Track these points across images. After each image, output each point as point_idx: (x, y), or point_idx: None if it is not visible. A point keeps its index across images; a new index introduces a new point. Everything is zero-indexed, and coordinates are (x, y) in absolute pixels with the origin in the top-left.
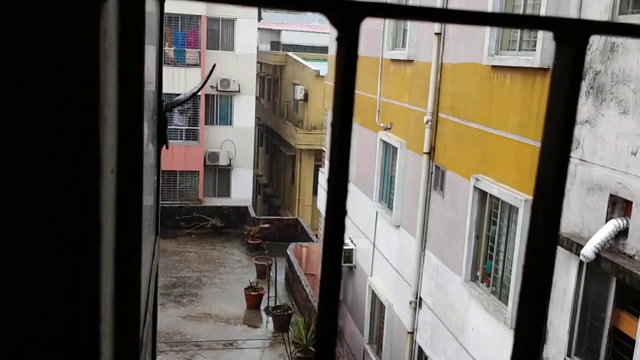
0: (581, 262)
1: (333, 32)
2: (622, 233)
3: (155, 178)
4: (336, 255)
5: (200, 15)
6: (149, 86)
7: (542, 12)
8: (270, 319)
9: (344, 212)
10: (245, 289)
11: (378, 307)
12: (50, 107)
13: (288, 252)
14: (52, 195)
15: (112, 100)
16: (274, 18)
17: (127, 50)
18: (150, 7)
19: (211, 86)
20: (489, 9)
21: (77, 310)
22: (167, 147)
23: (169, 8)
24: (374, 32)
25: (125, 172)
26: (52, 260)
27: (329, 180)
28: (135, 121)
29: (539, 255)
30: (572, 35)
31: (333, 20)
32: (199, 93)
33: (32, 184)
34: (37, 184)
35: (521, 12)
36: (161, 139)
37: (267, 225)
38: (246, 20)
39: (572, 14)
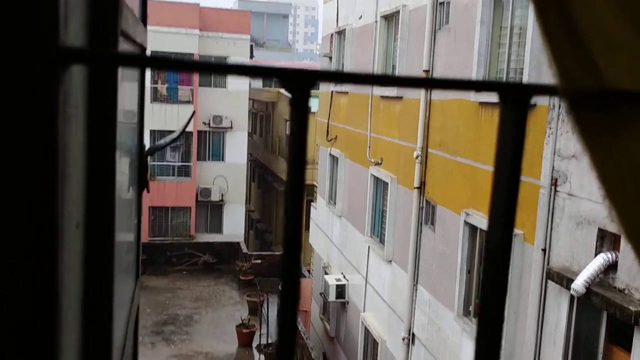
0: (572, 297)
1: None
2: (612, 267)
3: (136, 221)
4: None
5: (192, 54)
6: (130, 130)
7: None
8: (262, 357)
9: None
10: (237, 326)
11: (371, 343)
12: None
13: (280, 288)
14: (6, 254)
15: (78, 158)
16: (267, 56)
17: (97, 111)
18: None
19: (204, 122)
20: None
21: None
22: (147, 191)
23: (162, 47)
24: (364, 69)
25: (95, 225)
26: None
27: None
28: (106, 174)
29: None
30: (516, 97)
31: (286, 86)
32: (190, 129)
33: None
34: None
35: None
36: (142, 183)
37: (259, 261)
38: (238, 58)
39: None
